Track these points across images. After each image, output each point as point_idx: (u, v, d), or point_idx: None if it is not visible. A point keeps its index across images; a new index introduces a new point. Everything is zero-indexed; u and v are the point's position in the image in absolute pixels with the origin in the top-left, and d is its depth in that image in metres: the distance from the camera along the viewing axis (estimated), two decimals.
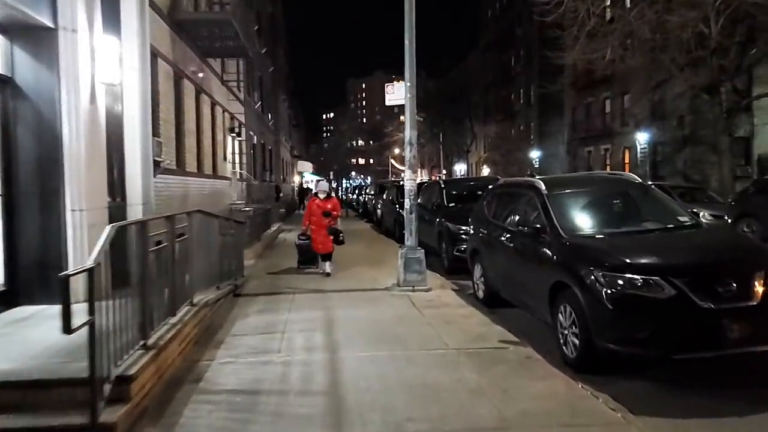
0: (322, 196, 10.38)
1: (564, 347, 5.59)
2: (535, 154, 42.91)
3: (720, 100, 16.78)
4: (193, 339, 5.77)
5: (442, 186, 12.62)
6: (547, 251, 5.93)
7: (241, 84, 21.18)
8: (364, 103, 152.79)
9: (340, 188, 48.97)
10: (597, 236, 5.83)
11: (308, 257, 10.78)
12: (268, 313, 7.39)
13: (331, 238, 10.28)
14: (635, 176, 6.86)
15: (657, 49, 16.49)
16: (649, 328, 4.84)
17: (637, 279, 4.92)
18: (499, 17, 52.39)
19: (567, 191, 6.62)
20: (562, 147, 40.46)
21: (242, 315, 7.25)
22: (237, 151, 19.82)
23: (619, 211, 6.46)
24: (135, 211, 7.77)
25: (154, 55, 9.87)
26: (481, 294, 8.18)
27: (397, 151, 77.59)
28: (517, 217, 7.04)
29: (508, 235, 7.11)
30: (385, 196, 20.97)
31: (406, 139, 8.80)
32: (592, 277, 5.12)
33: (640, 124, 28.96)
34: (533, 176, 8.95)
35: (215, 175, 15.76)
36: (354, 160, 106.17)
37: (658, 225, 6.06)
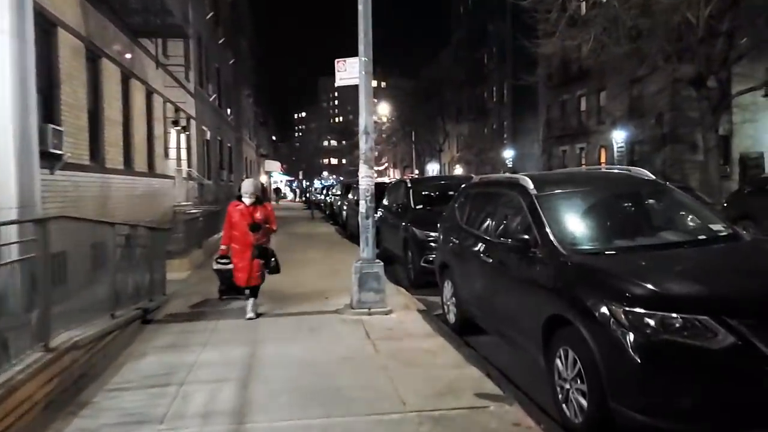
0: (248, 200, 6.98)
1: (565, 407, 4.03)
2: (508, 154, 41.75)
3: (707, 95, 15.60)
4: (40, 403, 4.02)
5: (409, 185, 11.01)
6: (540, 272, 4.37)
7: (191, 73, 19.27)
8: (336, 102, 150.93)
9: (311, 188, 47.06)
10: (607, 252, 4.29)
11: (234, 285, 7.26)
12: (174, 350, 5.67)
13: (260, 263, 7.07)
14: (646, 171, 5.33)
15: (643, 37, 15.19)
16: (694, 393, 3.31)
17: (675, 319, 3.38)
18: (472, 13, 51.18)
19: (562, 191, 5.06)
20: (537, 146, 39.37)
21: (137, 354, 5.51)
22: (184, 146, 17.92)
23: (631, 218, 4.92)
24: (4, 218, 5.96)
25: (53, 23, 8.04)
26: (452, 318, 6.61)
27: None
28: (497, 225, 5.47)
29: (485, 247, 5.53)
30: (350, 197, 19.28)
31: (361, 128, 7.17)
32: (607, 314, 3.57)
33: (617, 122, 27.91)
34: (515, 173, 7.34)
35: (152, 173, 13.87)
36: (325, 160, 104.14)
37: (686, 236, 4.55)
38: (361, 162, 7.19)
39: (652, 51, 14.79)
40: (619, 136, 27.08)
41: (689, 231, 4.64)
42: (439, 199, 10.45)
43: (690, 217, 4.82)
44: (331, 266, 11.15)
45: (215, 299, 7.68)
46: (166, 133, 15.37)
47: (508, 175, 5.86)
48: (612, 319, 3.54)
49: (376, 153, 77.64)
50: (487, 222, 5.69)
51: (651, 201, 5.03)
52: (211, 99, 23.33)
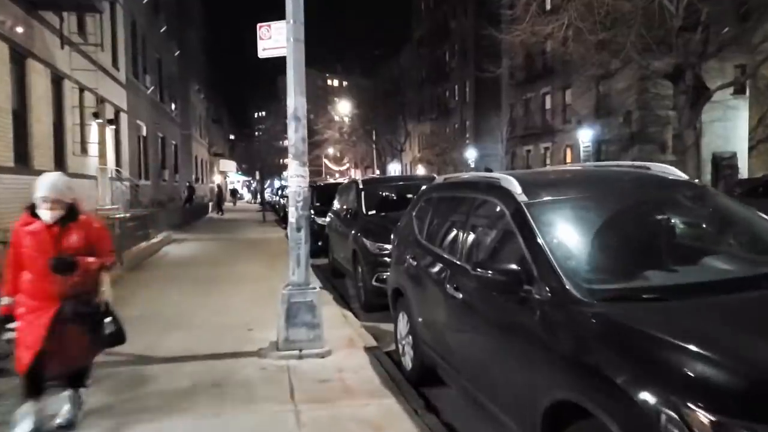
0: (47, 214, 3.67)
1: None
2: (471, 154, 40.59)
3: (685, 88, 14.48)
4: None
5: (361, 187, 9.34)
6: (538, 325, 2.79)
7: (121, 61, 17.17)
8: None
9: (265, 188, 44.88)
10: (648, 296, 2.72)
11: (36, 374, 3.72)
12: None
13: (80, 333, 3.82)
14: (673, 169, 3.81)
15: (618, 25, 13.96)
16: None
17: None
18: (434, 10, 49.93)
19: (564, 198, 3.47)
20: (500, 146, 38.34)
21: None
22: (111, 143, 15.83)
23: (669, 238, 3.33)
24: None
25: None
26: (407, 362, 5.00)
27: (331, 150, 74.04)
28: (469, 244, 3.87)
29: (452, 273, 3.93)
30: None
31: (289, 111, 5.48)
32: (666, 416, 2.01)
33: (583, 121, 26.94)
34: (490, 171, 5.70)
35: (64, 172, 11.82)
36: (285, 160, 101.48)
37: (757, 265, 3.02)
38: (289, 156, 5.50)
39: (630, 40, 13.55)
40: (585, 136, 26.10)
41: (756, 255, 3.13)
42: (397, 203, 8.84)
43: (753, 231, 3.29)
44: (271, 284, 9.34)
45: None
46: (83, 127, 13.30)
47: (483, 174, 4.22)
48: (675, 428, 1.97)
49: (338, 153, 75.80)
50: (455, 238, 4.09)
51: (690, 210, 3.50)
52: (148, 91, 21.18)
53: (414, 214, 5.21)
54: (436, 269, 4.28)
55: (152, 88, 21.52)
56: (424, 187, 5.54)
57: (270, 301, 8.04)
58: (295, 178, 5.52)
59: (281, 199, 31.52)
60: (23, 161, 9.96)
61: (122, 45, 17.35)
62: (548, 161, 31.76)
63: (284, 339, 5.36)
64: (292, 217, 5.53)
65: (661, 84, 22.01)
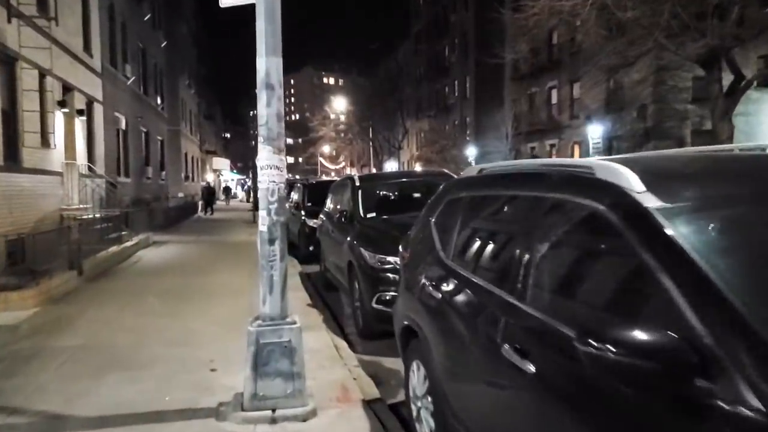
0: None
1: None
2: (472, 151, 39.10)
3: (719, 77, 13.03)
4: None
5: (357, 184, 7.80)
6: None
7: (95, 47, 15.61)
8: (292, 99, 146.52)
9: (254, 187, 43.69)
10: None
11: None
12: None
13: None
14: None
15: (649, 2, 12.45)
16: None
17: None
18: (432, 3, 48.41)
19: (728, 201, 1.93)
20: (503, 143, 36.87)
21: None
22: (81, 136, 14.27)
23: None
24: None
25: None
26: None
27: (327, 148, 72.55)
28: (543, 278, 2.33)
29: (510, 322, 2.42)
30: (291, 200, 16.00)
31: (259, 77, 3.97)
32: None
33: (592, 116, 25.45)
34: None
35: (16, 167, 10.31)
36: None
37: None
38: (260, 140, 3.99)
39: (663, 19, 12.02)
40: (595, 131, 24.61)
41: None
42: (401, 204, 7.36)
43: None
44: (250, 301, 7.85)
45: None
46: (44, 116, 11.75)
47: (560, 160, 2.64)
48: None
49: (334, 151, 74.31)
50: (510, 264, 2.57)
51: None
52: (129, 82, 19.61)
53: (433, 220, 3.71)
54: (475, 309, 2.78)
55: (133, 78, 19.95)
56: (445, 184, 4.04)
57: (245, 324, 6.56)
58: (267, 171, 4.01)
59: None
60: None
61: (96, 29, 15.79)
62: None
63: (251, 394, 3.85)
64: (262, 224, 4.02)
65: (678, 75, 20.59)
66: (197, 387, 4.56)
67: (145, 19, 23.14)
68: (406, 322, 3.73)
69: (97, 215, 13.33)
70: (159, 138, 26.47)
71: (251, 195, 52.60)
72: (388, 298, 5.72)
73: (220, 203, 44.55)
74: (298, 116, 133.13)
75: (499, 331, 2.41)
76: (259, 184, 4.09)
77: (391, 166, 54.61)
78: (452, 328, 3.01)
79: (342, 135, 60.15)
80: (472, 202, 3.27)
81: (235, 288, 8.91)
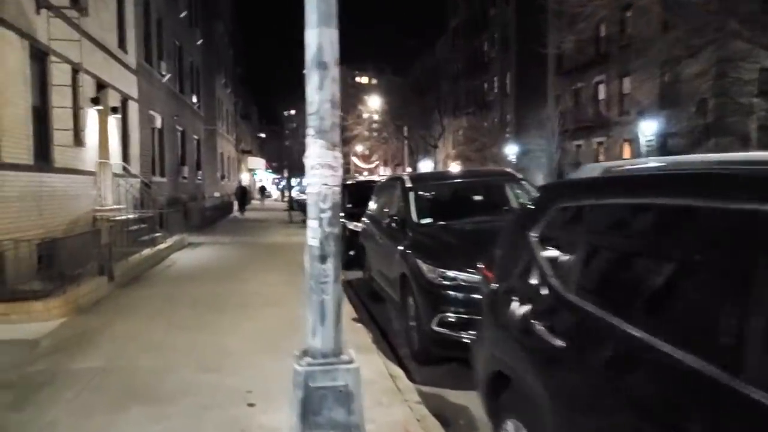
0: None
1: None
2: (511, 149, 37.86)
3: None
4: None
5: (409, 185, 6.94)
6: None
7: (130, 42, 15.20)
8: None
9: (297, 187, 42.74)
10: None
11: None
12: None
13: None
14: None
15: None
16: None
17: None
18: None
19: None
20: (545, 141, 35.55)
21: None
22: (116, 134, 13.84)
23: None
24: None
25: None
26: None
27: (359, 148, 72.01)
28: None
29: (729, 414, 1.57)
30: None
31: (310, 53, 3.17)
32: None
33: (645, 112, 24.02)
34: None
35: (48, 167, 9.84)
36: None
37: None
38: (309, 133, 3.20)
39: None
40: (648, 128, 23.19)
41: None
42: (460, 208, 6.50)
43: None
44: (291, 312, 7.15)
45: None
46: (77, 114, 11.30)
47: (752, 155, 1.74)
48: None
49: (367, 150, 73.70)
50: (700, 312, 1.69)
51: None
52: (164, 80, 19.24)
53: (535, 236, 2.84)
54: (625, 368, 1.91)
55: (168, 76, 19.57)
56: (547, 188, 3.19)
57: (289, 342, 5.80)
58: (318, 171, 3.21)
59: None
60: None
61: (131, 25, 15.38)
62: (602, 157, 28.88)
63: None
64: (312, 237, 3.22)
65: (743, 67, 19.10)
66: (232, 428, 3.81)
67: (181, 16, 22.82)
68: (497, 368, 2.89)
69: (131, 216, 12.86)
70: (195, 137, 26.18)
71: (286, 194, 52.47)
72: (452, 320, 4.88)
73: (255, 202, 44.41)
74: None
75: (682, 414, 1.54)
76: (307, 188, 3.29)
77: (426, 165, 53.65)
78: (580, 388, 2.15)
79: (375, 134, 59.48)
80: (601, 212, 2.39)
81: (271, 296, 8.21)
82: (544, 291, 2.58)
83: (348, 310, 7.21)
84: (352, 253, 11.17)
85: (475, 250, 5.17)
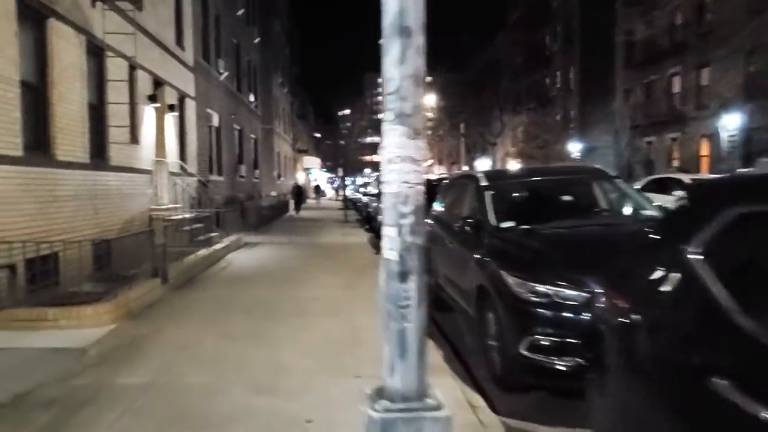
0: None
1: None
2: (575, 147, 36.24)
3: None
4: None
5: (485, 184, 6.15)
6: None
7: (187, 39, 15.07)
8: (380, 98, 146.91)
9: (351, 186, 42.28)
10: None
11: None
12: None
13: None
14: None
15: None
16: None
17: None
18: None
19: None
20: (611, 138, 33.79)
21: None
22: (173, 132, 13.69)
23: None
24: None
25: None
26: None
27: None
28: None
29: None
30: None
31: (388, 18, 2.52)
32: None
33: (727, 105, 22.18)
34: None
35: (102, 165, 9.64)
36: (367, 157, 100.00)
37: None
38: (386, 119, 2.54)
39: None
40: (731, 122, 21.38)
41: None
42: (546, 210, 5.68)
43: None
44: (351, 321, 6.56)
45: None
46: (134, 111, 11.12)
47: None
48: None
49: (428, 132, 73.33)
50: None
51: None
52: (222, 78, 19.14)
53: (698, 253, 2.05)
54: None
55: (226, 74, 19.47)
56: (713, 184, 2.39)
57: (352, 359, 5.19)
58: (397, 166, 2.54)
59: (363, 197, 28.97)
60: (40, 149, 7.73)
61: (189, 21, 15.25)
62: (675, 154, 27.03)
63: None
64: (390, 249, 2.55)
65: None
66: None
67: (239, 14, 22.77)
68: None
69: (188, 216, 12.64)
70: (252, 136, 26.18)
71: (340, 193, 52.40)
72: (546, 344, 4.12)
73: (310, 201, 44.47)
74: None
75: None
76: (383, 187, 2.62)
77: (483, 163, 52.33)
78: None
79: (429, 132, 58.56)
80: None
81: (329, 303, 7.62)
82: (728, 333, 1.80)
83: None
84: None
85: (572, 261, 4.39)
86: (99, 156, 9.55)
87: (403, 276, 2.54)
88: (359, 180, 71.84)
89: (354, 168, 61.15)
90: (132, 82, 10.98)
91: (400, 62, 2.51)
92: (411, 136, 2.54)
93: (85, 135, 8.90)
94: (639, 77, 29.64)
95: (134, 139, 11.06)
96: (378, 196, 18.95)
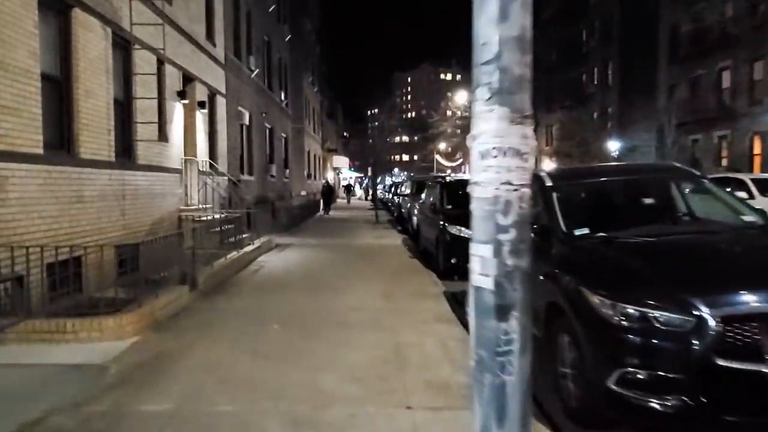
0: None
1: None
2: (614, 145, 34.93)
3: None
4: None
5: (550, 184, 5.22)
6: None
7: (218, 34, 14.63)
8: (408, 97, 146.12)
9: (380, 186, 41.70)
10: None
11: None
12: None
13: None
14: None
15: None
16: None
17: None
18: None
19: None
20: (650, 136, 32.43)
21: None
22: (203, 130, 13.25)
23: None
24: None
25: None
26: None
27: (442, 145, 70.34)
28: None
29: None
30: (424, 200, 13.98)
31: None
32: None
33: None
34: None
35: (130, 164, 9.20)
36: (396, 157, 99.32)
37: None
38: (478, 99, 1.87)
39: None
40: None
41: None
42: (624, 214, 4.95)
43: None
44: (394, 336, 5.93)
45: None
46: (162, 108, 10.69)
47: None
48: None
49: (449, 148, 71.92)
50: None
51: None
52: (252, 75, 18.71)
53: None
54: None
55: (257, 71, 19.03)
56: None
57: (399, 383, 4.54)
58: (495, 160, 1.87)
59: (395, 197, 28.30)
60: (63, 147, 7.28)
61: (220, 17, 14.81)
62: (724, 153, 25.65)
63: None
64: (482, 272, 1.88)
65: None
66: None
67: (270, 10, 22.34)
68: None
69: (218, 216, 12.17)
70: (283, 135, 25.77)
71: (370, 193, 51.79)
72: (640, 377, 3.39)
73: (340, 201, 43.98)
74: (414, 114, 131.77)
75: None
76: (472, 189, 1.95)
77: None
78: None
79: (458, 131, 57.54)
80: None
81: (370, 315, 6.98)
82: None
83: (460, 335, 5.84)
84: (454, 261, 9.85)
85: (670, 276, 3.66)
86: (125, 154, 9.10)
87: (502, 312, 1.87)
88: (387, 180, 71.14)
89: (383, 168, 60.47)
90: (160, 77, 10.54)
91: (500, 19, 1.84)
92: (515, 120, 1.86)
93: (110, 132, 8.44)
94: (685, 72, 28.26)
95: (163, 137, 10.62)
96: (412, 196, 18.23)
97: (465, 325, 6.43)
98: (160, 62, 10.49)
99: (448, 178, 12.61)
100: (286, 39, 26.85)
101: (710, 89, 26.56)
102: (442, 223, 10.43)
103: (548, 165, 48.22)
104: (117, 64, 8.81)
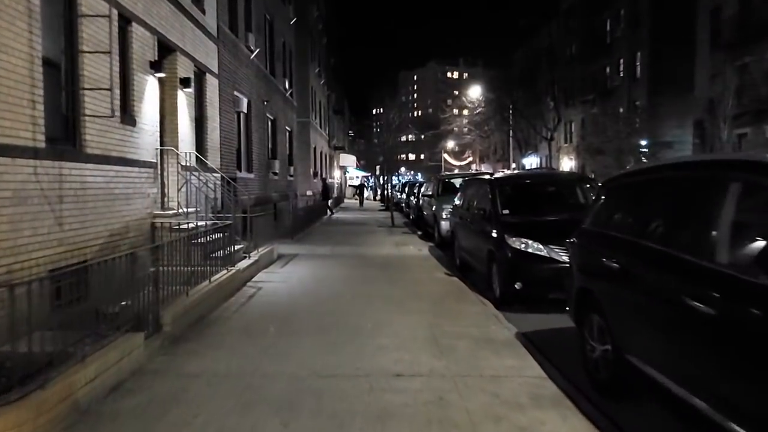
0: None
1: None
2: (643, 141, 32.22)
3: None
4: None
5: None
6: None
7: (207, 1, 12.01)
8: (415, 95, 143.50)
9: (387, 185, 38.93)
10: None
11: None
12: None
13: None
14: None
15: None
16: None
17: None
18: None
19: None
20: (685, 130, 29.72)
21: None
22: (185, 114, 10.61)
23: None
24: None
25: None
26: None
27: (450, 144, 67.74)
28: None
29: None
30: (464, 203, 10.91)
31: None
32: None
33: None
34: None
35: (73, 153, 6.57)
36: (403, 156, 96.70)
37: None
38: None
39: None
40: None
41: None
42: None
43: None
44: (478, 426, 3.30)
45: None
46: (127, 79, 8.08)
47: None
48: None
49: (457, 147, 69.23)
50: None
51: None
52: (252, 56, 16.09)
53: None
54: None
55: (257, 51, 16.39)
56: None
57: None
58: None
59: (410, 198, 25.64)
60: None
61: None
62: None
63: None
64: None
65: None
66: None
67: None
68: None
69: (205, 222, 9.54)
70: (287, 128, 23.16)
71: (379, 193, 49.13)
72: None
73: (348, 201, 41.30)
74: (420, 113, 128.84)
75: None
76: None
77: (530, 160, 48.41)
78: None
79: (470, 129, 54.79)
80: None
81: (424, 391, 4.32)
82: None
83: (557, 398, 3.21)
84: (519, 286, 7.04)
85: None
86: (64, 138, 6.49)
87: None
88: (394, 179, 68.37)
89: (390, 167, 57.83)
90: (125, 39, 7.93)
91: None
92: None
93: (33, 105, 5.80)
94: (729, 60, 25.50)
95: (128, 119, 8.00)
96: (437, 197, 15.51)
97: (570, 396, 3.80)
98: (125, 19, 7.88)
99: (499, 176, 9.79)
100: (291, 22, 24.22)
101: (761, 78, 23.80)
102: (497, 234, 7.66)
103: (565, 163, 45.52)
104: (51, 7, 6.20)
